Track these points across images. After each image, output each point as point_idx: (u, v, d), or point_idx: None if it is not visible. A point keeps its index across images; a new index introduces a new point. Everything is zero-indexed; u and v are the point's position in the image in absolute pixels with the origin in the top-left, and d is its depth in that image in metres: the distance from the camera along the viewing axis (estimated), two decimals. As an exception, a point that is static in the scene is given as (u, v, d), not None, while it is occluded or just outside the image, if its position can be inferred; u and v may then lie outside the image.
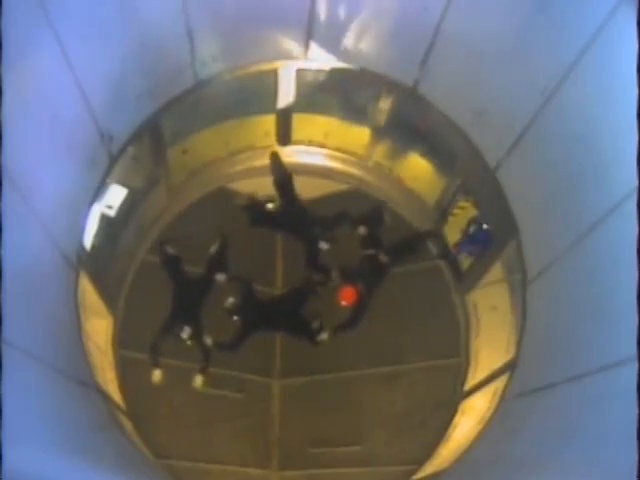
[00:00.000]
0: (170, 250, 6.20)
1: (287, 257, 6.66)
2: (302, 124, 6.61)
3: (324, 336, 6.15)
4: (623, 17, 3.39)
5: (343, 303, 6.14)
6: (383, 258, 6.21)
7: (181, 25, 4.82)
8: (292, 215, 6.46)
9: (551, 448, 3.68)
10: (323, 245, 6.34)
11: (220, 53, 5.38)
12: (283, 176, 6.54)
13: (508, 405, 4.88)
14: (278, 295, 6.46)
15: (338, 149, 6.82)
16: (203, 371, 5.99)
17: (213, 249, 6.27)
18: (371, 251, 6.26)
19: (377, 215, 6.43)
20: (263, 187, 6.70)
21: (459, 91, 5.17)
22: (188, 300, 6.03)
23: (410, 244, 6.49)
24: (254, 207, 6.45)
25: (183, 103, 5.59)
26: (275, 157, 6.62)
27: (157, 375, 5.94)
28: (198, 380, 5.98)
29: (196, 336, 5.94)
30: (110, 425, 4.92)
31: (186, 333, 5.87)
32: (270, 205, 6.64)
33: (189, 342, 5.95)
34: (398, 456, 5.98)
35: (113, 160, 5.18)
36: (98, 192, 5.15)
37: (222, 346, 6.00)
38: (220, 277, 6.15)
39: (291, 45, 5.54)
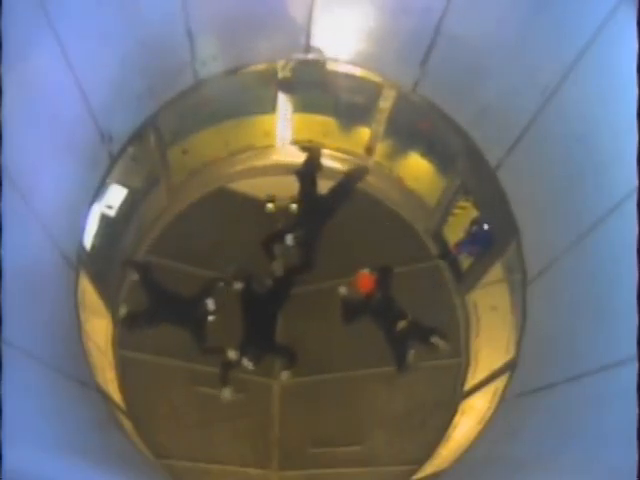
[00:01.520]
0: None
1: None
2: (302, 124, 6.61)
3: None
4: (623, 17, 3.39)
5: (361, 290, 6.17)
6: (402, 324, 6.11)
7: (181, 25, 4.82)
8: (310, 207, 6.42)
9: (551, 448, 3.68)
10: (289, 239, 6.28)
11: (220, 53, 5.38)
12: (312, 169, 6.45)
13: (508, 405, 4.88)
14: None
15: (338, 149, 6.82)
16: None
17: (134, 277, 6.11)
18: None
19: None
20: (263, 187, 6.71)
21: (459, 91, 5.17)
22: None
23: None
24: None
25: (183, 103, 5.59)
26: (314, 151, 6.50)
27: (231, 353, 5.96)
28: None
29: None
30: (110, 425, 4.92)
31: (212, 304, 5.99)
32: (270, 205, 6.66)
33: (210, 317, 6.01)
34: (398, 456, 5.98)
35: (113, 160, 5.19)
36: (98, 192, 5.16)
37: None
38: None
39: (291, 45, 5.54)
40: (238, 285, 6.13)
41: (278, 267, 6.36)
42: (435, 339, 6.06)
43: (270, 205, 6.66)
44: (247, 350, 5.95)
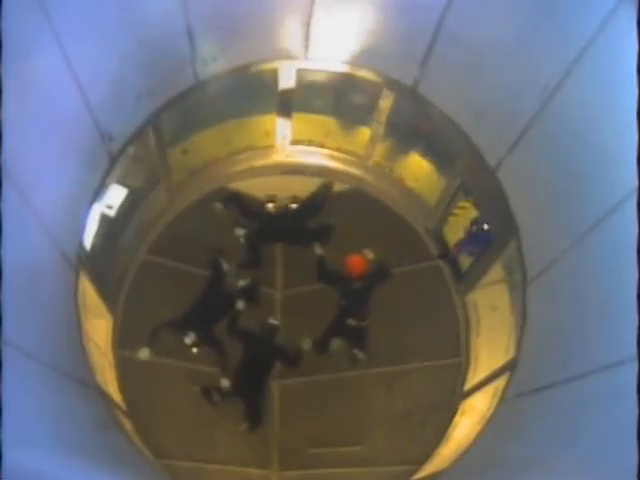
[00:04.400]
0: (224, 265, 6.21)
1: (287, 259, 6.66)
2: (302, 124, 6.61)
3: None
4: (623, 17, 3.39)
5: (353, 274, 6.16)
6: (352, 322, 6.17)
7: (181, 25, 4.82)
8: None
9: (551, 448, 3.67)
10: (238, 230, 6.44)
11: (220, 53, 5.38)
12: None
13: (508, 405, 4.88)
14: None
15: (338, 149, 6.81)
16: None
17: (242, 283, 6.25)
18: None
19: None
20: (263, 187, 6.71)
21: (459, 90, 5.17)
22: (207, 314, 6.07)
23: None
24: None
25: (183, 103, 5.59)
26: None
27: (145, 352, 5.94)
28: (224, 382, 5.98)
29: (203, 344, 6.01)
30: (110, 425, 4.92)
31: (190, 339, 5.95)
32: (270, 205, 6.65)
33: (194, 349, 6.03)
34: (398, 456, 5.97)
35: (113, 160, 5.18)
36: (98, 192, 5.15)
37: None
38: (240, 305, 6.17)
39: (291, 45, 5.54)
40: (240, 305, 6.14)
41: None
42: (357, 352, 6.17)
43: (270, 205, 6.66)
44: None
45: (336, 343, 6.19)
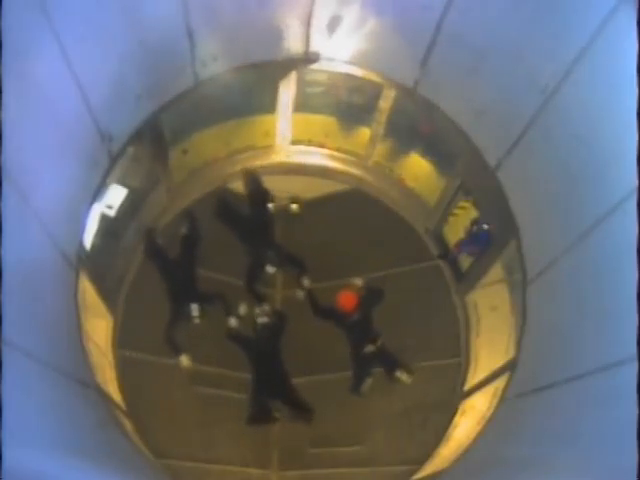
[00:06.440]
0: (158, 240, 6.18)
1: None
2: (302, 124, 6.61)
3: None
4: (623, 17, 3.39)
5: (344, 309, 6.07)
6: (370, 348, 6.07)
7: (181, 25, 4.82)
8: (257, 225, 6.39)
9: (551, 448, 3.68)
10: (269, 269, 6.33)
11: (220, 53, 5.38)
12: (259, 191, 6.45)
13: (508, 405, 4.88)
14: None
15: (338, 149, 6.82)
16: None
17: (184, 230, 6.27)
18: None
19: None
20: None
21: (459, 90, 5.17)
22: (181, 282, 6.06)
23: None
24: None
25: (183, 103, 5.59)
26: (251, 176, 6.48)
27: (185, 360, 5.99)
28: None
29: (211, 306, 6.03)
30: (110, 425, 4.92)
31: (195, 310, 5.94)
32: (270, 205, 6.64)
33: (198, 320, 5.99)
34: (398, 456, 5.97)
35: (113, 160, 5.18)
36: (98, 192, 5.15)
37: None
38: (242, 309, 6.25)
39: (291, 44, 5.54)
40: (233, 322, 6.11)
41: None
42: (400, 374, 6.02)
43: (270, 205, 6.66)
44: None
45: (367, 383, 6.05)
